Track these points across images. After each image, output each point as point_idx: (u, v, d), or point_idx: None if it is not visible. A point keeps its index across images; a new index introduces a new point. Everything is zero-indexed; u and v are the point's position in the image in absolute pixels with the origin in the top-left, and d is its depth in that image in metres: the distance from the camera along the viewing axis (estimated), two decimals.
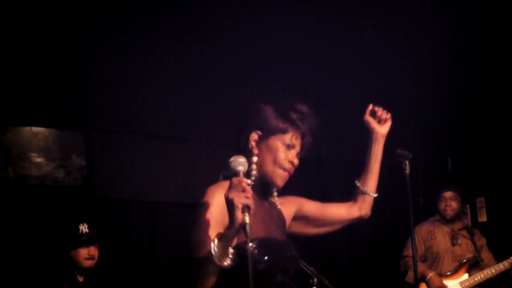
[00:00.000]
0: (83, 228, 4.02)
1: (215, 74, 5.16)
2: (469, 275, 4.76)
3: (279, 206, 2.33)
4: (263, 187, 2.25)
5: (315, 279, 3.15)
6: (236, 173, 1.94)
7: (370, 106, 2.51)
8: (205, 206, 2.06)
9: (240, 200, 1.85)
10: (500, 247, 4.98)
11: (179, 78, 5.07)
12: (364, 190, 2.48)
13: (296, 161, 2.22)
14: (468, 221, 5.60)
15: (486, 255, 4.90)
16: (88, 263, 4.01)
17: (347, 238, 5.75)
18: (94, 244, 4.05)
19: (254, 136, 2.22)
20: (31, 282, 4.06)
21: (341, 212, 2.51)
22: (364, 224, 5.78)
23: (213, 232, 1.98)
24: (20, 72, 4.41)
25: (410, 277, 4.85)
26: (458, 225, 5.04)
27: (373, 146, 2.49)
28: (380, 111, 2.50)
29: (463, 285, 4.74)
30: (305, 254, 3.62)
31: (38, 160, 4.54)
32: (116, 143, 4.75)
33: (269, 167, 2.19)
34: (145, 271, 4.76)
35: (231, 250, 1.91)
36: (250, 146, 2.21)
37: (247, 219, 1.84)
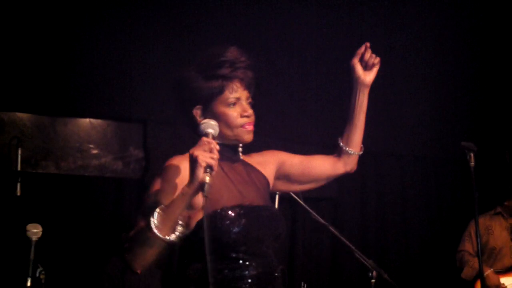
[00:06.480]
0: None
1: None
2: None
3: (257, 167, 2.19)
4: (231, 151, 2.11)
5: (374, 272, 3.14)
6: (205, 135, 1.91)
7: (363, 47, 2.20)
8: (158, 175, 2.01)
9: (204, 158, 1.80)
10: None
11: None
12: (349, 150, 2.24)
13: (249, 111, 2.08)
14: None
15: None
16: None
17: (401, 231, 5.71)
18: None
19: (197, 112, 2.08)
20: (92, 273, 4.17)
21: (326, 167, 2.28)
22: (419, 217, 5.81)
23: (162, 199, 1.90)
24: (80, 65, 4.53)
25: (466, 273, 4.75)
26: None
27: (357, 96, 2.22)
28: (368, 54, 2.19)
29: None
30: (360, 247, 3.62)
31: (97, 151, 4.66)
32: (173, 135, 4.83)
33: (228, 131, 2.06)
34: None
35: (179, 225, 1.87)
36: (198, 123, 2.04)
37: (207, 179, 1.79)
